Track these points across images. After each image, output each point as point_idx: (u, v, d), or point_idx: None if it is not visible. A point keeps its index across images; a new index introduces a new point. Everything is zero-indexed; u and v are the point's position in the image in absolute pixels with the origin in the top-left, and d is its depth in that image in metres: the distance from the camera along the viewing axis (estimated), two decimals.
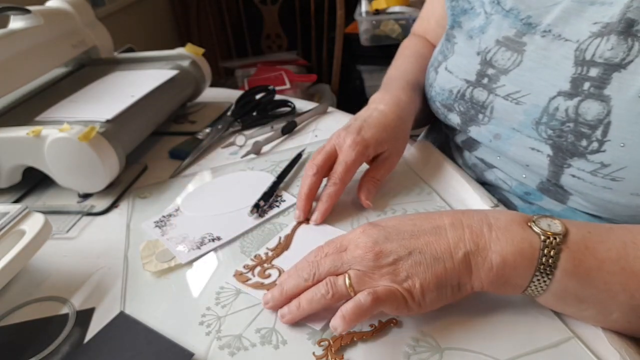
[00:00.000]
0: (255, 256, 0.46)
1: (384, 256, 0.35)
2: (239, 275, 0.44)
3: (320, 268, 0.38)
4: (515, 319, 0.37)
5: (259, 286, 0.42)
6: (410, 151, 0.61)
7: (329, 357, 0.35)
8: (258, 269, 0.45)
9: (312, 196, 0.51)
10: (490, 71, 0.47)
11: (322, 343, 0.36)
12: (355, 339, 0.36)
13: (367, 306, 0.34)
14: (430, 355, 0.35)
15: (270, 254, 0.46)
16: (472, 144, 0.53)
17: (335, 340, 0.36)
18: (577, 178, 0.40)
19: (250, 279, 0.44)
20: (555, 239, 0.33)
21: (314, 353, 0.36)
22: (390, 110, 0.53)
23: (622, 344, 0.34)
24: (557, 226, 0.34)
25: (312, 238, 0.48)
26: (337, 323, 0.35)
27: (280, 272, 0.44)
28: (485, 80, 0.48)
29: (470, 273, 0.35)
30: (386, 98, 0.55)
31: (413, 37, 0.71)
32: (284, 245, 0.47)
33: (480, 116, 0.48)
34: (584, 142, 0.39)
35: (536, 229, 0.34)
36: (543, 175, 0.44)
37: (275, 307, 0.39)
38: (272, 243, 0.48)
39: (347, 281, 0.36)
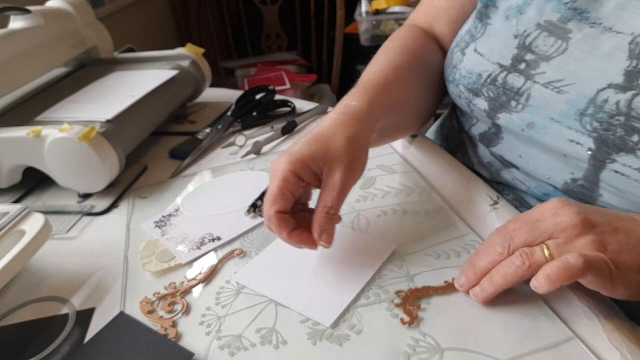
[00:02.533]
0: (170, 284, 0.44)
1: (590, 226, 0.35)
2: (145, 304, 0.42)
3: (515, 240, 0.37)
4: (515, 319, 0.37)
5: (157, 320, 0.40)
6: (409, 150, 0.61)
7: (407, 306, 0.38)
8: (167, 300, 0.42)
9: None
10: (528, 56, 0.45)
11: (400, 293, 0.39)
12: (430, 293, 0.39)
13: (577, 268, 0.32)
14: (430, 355, 0.35)
15: (186, 284, 0.44)
16: (490, 137, 0.51)
17: (412, 292, 0.39)
18: (621, 174, 0.39)
19: (154, 310, 0.41)
20: None
21: (392, 301, 0.39)
22: (331, 118, 0.44)
23: (622, 342, 0.34)
24: None
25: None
26: (540, 282, 0.33)
27: (185, 306, 0.41)
28: (523, 66, 0.45)
29: None
30: (339, 106, 0.47)
31: (403, 29, 0.63)
32: (205, 277, 0.44)
33: (513, 103, 0.46)
34: (635, 137, 0.37)
35: None
36: (581, 168, 0.42)
37: (470, 288, 0.38)
38: (193, 273, 0.45)
39: (546, 251, 0.35)
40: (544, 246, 0.35)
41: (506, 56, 0.47)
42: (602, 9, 0.41)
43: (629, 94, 0.38)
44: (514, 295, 0.39)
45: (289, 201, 0.41)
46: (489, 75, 0.48)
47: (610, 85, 0.39)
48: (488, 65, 0.48)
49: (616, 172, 0.39)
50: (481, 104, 0.49)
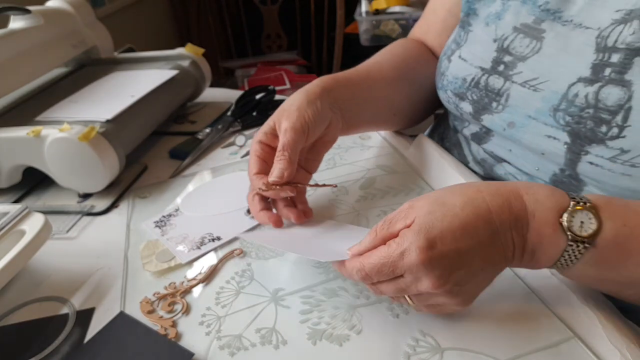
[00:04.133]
0: (170, 284, 0.44)
1: (434, 266, 0.33)
2: (145, 304, 0.42)
3: (374, 279, 0.35)
4: (515, 319, 0.37)
5: (157, 320, 0.40)
6: (410, 150, 0.61)
7: None
8: (167, 300, 0.42)
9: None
10: (507, 58, 0.47)
11: None
12: None
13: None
14: (431, 355, 0.35)
15: (186, 284, 0.44)
16: (482, 136, 0.53)
17: None
18: (595, 165, 0.40)
19: (154, 310, 0.42)
20: (583, 243, 0.32)
21: None
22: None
23: (623, 342, 0.34)
24: (590, 226, 0.32)
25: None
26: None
27: (185, 306, 0.41)
28: (502, 68, 0.47)
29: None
30: None
31: (399, 40, 0.67)
32: (205, 277, 0.44)
33: (495, 104, 0.48)
34: (604, 128, 0.39)
35: (567, 232, 0.33)
36: (560, 163, 0.43)
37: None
38: (193, 273, 0.46)
39: (411, 302, 0.36)
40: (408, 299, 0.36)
41: (487, 59, 0.49)
42: (573, 7, 0.43)
43: (596, 86, 0.40)
44: (514, 295, 0.39)
45: (262, 164, 0.48)
46: (473, 79, 0.50)
47: (579, 80, 0.41)
48: (471, 69, 0.50)
49: (591, 163, 0.40)
50: (466, 107, 0.51)
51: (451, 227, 0.33)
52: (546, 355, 0.34)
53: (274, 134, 0.48)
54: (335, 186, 0.52)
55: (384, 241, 0.35)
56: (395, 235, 0.34)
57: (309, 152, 0.51)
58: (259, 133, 0.49)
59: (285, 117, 0.47)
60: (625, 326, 0.36)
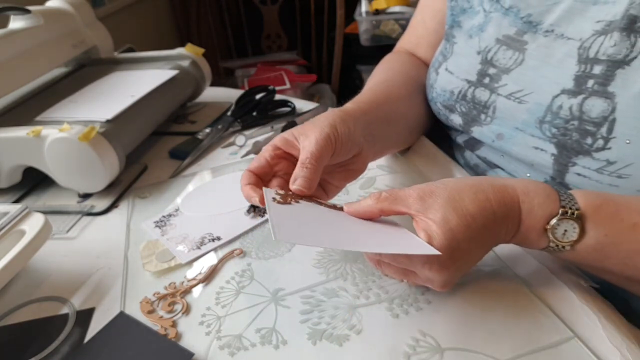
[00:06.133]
0: (170, 284, 0.44)
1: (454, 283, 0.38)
2: (145, 304, 0.42)
3: (383, 270, 0.39)
4: (515, 319, 0.37)
5: (157, 320, 0.40)
6: (409, 150, 0.61)
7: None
8: (167, 300, 0.43)
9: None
10: (491, 70, 0.47)
11: None
12: None
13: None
14: (430, 355, 0.35)
15: (186, 284, 0.44)
16: (474, 143, 0.53)
17: None
18: (583, 176, 0.40)
19: (154, 310, 0.42)
20: (564, 248, 0.35)
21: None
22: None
23: (622, 342, 0.34)
24: (572, 235, 0.35)
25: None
26: None
27: (185, 306, 0.41)
28: (487, 80, 0.48)
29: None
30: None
31: (391, 54, 0.66)
32: (205, 277, 0.44)
33: (483, 116, 0.48)
34: (589, 140, 0.39)
35: (550, 237, 0.35)
36: (548, 173, 0.44)
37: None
38: (193, 273, 0.46)
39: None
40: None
41: (472, 72, 0.49)
42: (551, 16, 0.43)
43: (580, 97, 0.40)
44: (514, 295, 0.39)
45: (262, 166, 0.44)
46: (460, 92, 0.50)
47: (563, 91, 0.41)
48: (458, 82, 0.51)
49: (578, 174, 0.40)
50: (456, 119, 0.52)
51: (466, 237, 0.35)
52: (546, 355, 0.34)
53: (292, 145, 0.43)
54: None
55: (384, 214, 0.38)
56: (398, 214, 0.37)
57: (328, 174, 0.46)
58: (277, 137, 0.44)
59: (315, 128, 0.42)
60: (625, 326, 0.36)
